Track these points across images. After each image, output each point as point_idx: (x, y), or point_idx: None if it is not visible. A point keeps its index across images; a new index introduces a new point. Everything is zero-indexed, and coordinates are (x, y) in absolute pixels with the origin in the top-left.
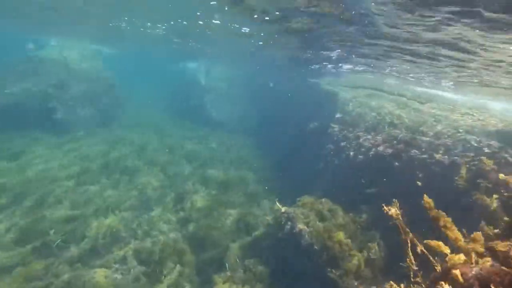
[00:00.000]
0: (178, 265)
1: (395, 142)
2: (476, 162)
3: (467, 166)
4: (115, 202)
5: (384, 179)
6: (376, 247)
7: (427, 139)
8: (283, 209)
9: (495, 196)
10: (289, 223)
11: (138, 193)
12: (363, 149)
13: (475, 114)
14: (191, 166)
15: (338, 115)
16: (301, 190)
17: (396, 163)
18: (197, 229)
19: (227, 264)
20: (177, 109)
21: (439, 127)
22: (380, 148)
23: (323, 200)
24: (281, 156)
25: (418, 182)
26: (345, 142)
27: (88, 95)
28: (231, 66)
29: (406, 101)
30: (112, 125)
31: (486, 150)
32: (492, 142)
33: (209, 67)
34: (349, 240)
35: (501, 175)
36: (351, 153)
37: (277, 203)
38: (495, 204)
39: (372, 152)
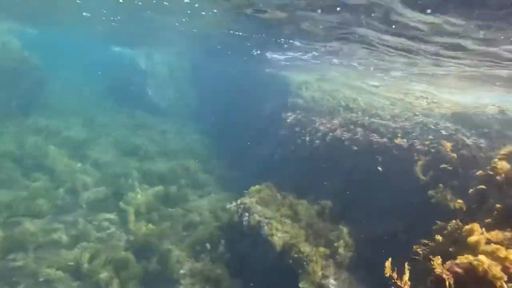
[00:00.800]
0: (116, 279)
1: (352, 126)
2: (435, 145)
3: (426, 149)
4: (32, 205)
5: (343, 164)
6: (342, 245)
7: (385, 122)
8: (239, 201)
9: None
10: (246, 214)
11: (64, 193)
12: (319, 134)
13: (428, 97)
14: (129, 158)
15: (290, 100)
16: (254, 179)
17: (355, 147)
18: (137, 232)
19: (175, 273)
20: (114, 96)
21: (396, 111)
22: (337, 133)
23: (275, 188)
24: (230, 143)
25: (378, 168)
26: (299, 128)
27: (1, 77)
28: (173, 50)
29: (360, 84)
30: (33, 113)
31: (444, 132)
32: (449, 124)
33: (149, 50)
34: (309, 248)
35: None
36: (307, 138)
37: (229, 204)
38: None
39: (329, 137)
